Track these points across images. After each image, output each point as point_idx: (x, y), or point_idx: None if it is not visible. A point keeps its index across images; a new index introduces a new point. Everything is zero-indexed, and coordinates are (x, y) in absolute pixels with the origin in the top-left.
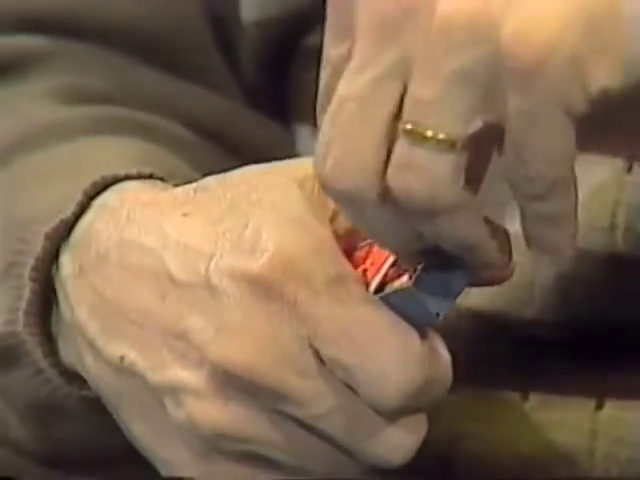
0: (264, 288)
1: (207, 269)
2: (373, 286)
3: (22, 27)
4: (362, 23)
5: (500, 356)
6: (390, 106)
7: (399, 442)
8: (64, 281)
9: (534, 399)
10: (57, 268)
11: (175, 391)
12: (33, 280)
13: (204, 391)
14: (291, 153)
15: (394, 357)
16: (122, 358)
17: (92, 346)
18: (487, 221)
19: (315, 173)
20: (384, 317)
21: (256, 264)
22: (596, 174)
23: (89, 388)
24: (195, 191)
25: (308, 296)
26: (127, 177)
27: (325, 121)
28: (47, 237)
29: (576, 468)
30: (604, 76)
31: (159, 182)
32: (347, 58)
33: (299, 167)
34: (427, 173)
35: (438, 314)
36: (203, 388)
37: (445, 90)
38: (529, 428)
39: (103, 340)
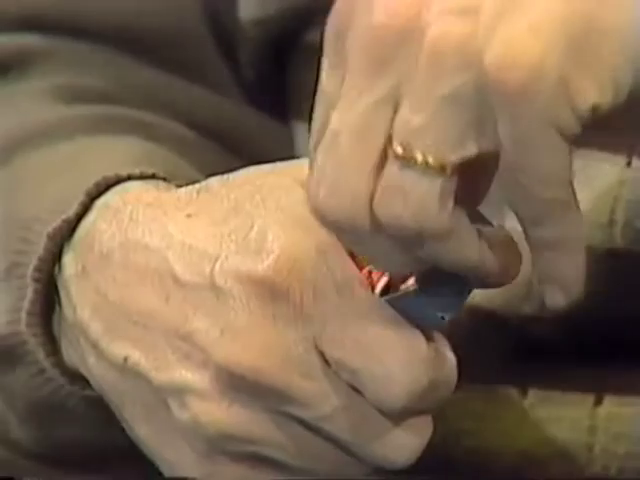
0: (269, 290)
1: (212, 270)
2: (379, 288)
3: (22, 26)
4: (353, 54)
5: (499, 353)
6: (382, 134)
7: (404, 443)
8: (67, 281)
9: (533, 395)
10: (60, 268)
11: (179, 392)
12: (35, 280)
13: (208, 392)
14: (291, 151)
15: (399, 359)
16: (126, 358)
17: (95, 346)
18: (483, 232)
19: (309, 203)
20: (389, 319)
21: (262, 266)
22: (596, 170)
23: (91, 388)
24: (198, 192)
25: (313, 298)
26: (130, 177)
27: (319, 152)
28: (49, 237)
29: (575, 464)
30: (592, 93)
31: (161, 182)
32: (340, 88)
33: (302, 168)
34: (415, 197)
35: (444, 317)
36: (207, 389)
37: (435, 115)
38: (528, 424)
39: (106, 340)
